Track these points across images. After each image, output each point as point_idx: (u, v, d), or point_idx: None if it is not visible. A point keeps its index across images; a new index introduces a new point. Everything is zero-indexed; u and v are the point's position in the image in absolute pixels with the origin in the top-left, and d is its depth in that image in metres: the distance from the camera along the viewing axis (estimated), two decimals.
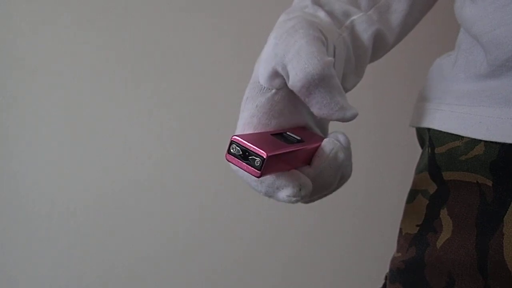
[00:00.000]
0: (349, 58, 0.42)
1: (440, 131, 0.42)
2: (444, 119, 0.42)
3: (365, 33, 0.43)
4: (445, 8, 0.54)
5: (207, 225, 1.16)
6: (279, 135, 0.33)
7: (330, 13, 0.41)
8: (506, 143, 0.36)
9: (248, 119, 0.32)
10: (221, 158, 0.33)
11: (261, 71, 0.33)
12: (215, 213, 1.16)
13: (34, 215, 1.07)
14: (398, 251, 0.46)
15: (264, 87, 0.34)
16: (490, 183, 0.38)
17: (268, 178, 0.31)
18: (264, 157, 0.28)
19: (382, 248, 1.23)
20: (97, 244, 1.11)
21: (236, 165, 0.29)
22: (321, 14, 0.41)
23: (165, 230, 1.14)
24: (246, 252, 1.19)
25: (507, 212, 0.37)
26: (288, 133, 0.33)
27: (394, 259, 0.46)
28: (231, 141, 0.29)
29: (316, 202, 0.37)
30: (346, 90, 0.44)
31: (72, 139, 1.08)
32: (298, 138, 0.33)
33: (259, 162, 0.28)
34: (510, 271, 0.37)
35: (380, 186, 1.25)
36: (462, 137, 0.40)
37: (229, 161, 0.30)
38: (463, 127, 0.40)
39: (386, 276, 0.48)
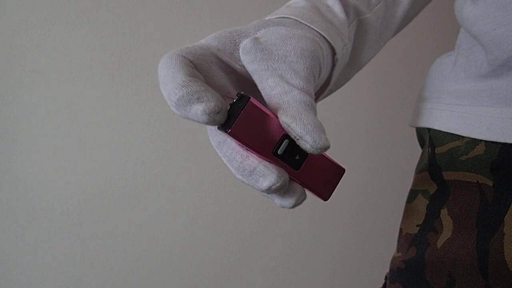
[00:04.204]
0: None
1: (440, 131, 0.42)
2: (444, 119, 0.42)
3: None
4: (445, 8, 0.54)
5: (207, 224, 1.16)
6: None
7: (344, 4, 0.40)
8: (507, 143, 0.36)
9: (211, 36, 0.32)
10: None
11: (243, 47, 0.32)
12: (214, 212, 1.16)
13: (34, 215, 1.07)
14: (398, 251, 0.46)
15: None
16: (490, 183, 0.38)
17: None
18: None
19: (382, 248, 1.23)
20: (97, 244, 1.11)
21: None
22: (337, 9, 0.39)
23: (165, 229, 1.14)
24: (245, 252, 1.19)
25: (508, 212, 0.37)
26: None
27: (394, 259, 0.46)
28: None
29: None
30: (340, 82, 0.43)
31: (72, 139, 1.08)
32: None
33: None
34: (510, 271, 0.36)
35: (380, 186, 1.25)
36: (463, 137, 0.40)
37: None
38: (463, 127, 0.40)
39: (386, 276, 0.48)
